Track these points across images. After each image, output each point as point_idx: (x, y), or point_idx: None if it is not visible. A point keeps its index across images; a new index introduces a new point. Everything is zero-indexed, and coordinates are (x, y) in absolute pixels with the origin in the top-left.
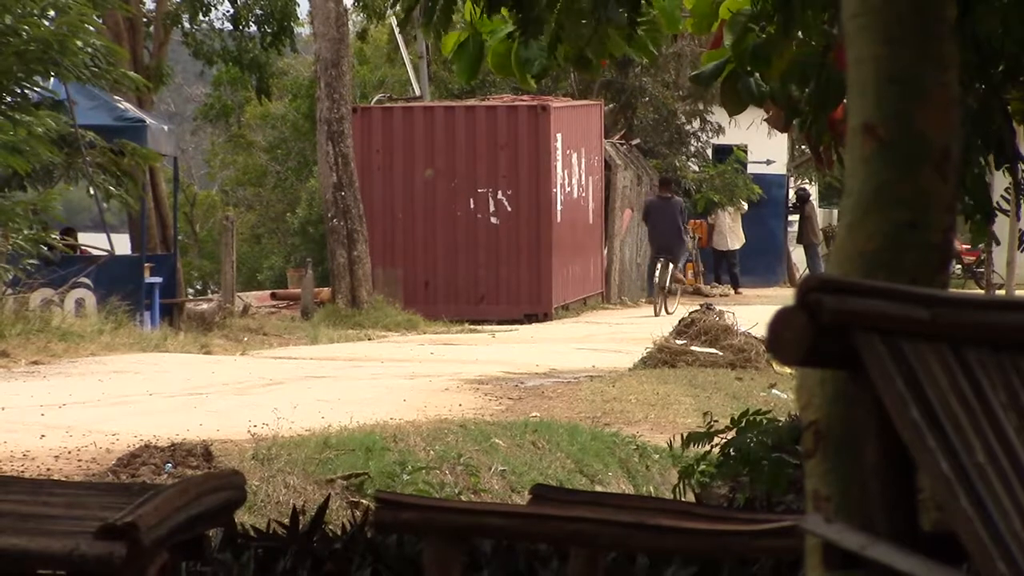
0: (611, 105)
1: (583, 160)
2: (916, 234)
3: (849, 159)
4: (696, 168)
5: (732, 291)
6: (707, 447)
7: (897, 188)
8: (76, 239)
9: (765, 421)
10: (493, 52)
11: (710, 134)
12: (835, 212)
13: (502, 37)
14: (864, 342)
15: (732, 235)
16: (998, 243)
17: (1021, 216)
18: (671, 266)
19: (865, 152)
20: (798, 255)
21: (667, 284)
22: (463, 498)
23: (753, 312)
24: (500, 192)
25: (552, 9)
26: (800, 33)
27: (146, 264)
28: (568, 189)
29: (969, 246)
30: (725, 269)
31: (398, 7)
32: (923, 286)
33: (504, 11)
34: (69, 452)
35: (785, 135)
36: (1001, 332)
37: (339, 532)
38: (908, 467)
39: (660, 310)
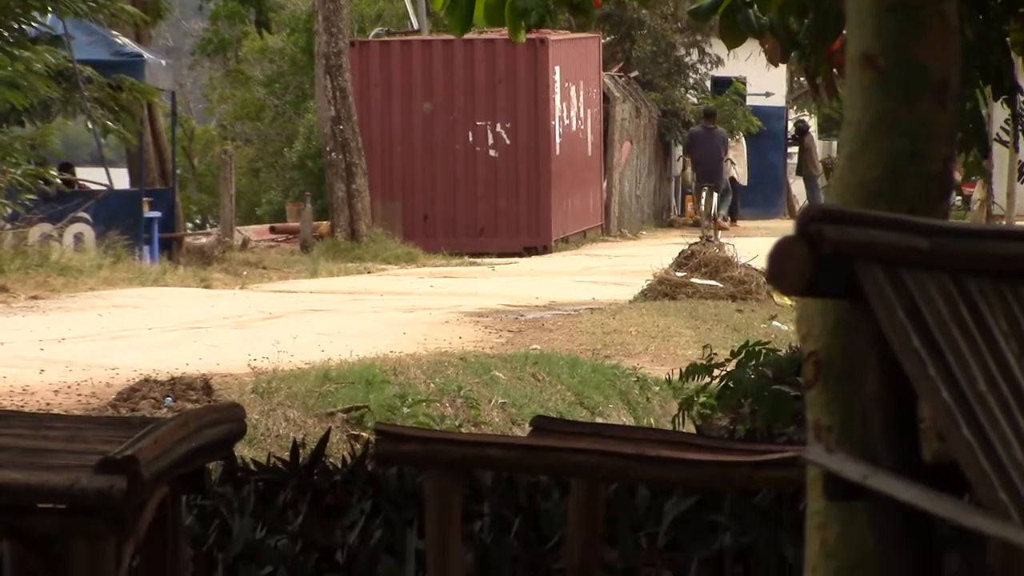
0: (609, 37)
1: (581, 93)
2: (916, 164)
3: (848, 90)
4: (695, 100)
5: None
6: (707, 379)
7: (896, 118)
8: (74, 174)
9: (765, 353)
10: (485, 5)
11: (709, 66)
12: (834, 144)
13: None
14: (865, 272)
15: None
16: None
17: (1020, 148)
18: (715, 194)
19: (864, 82)
20: (797, 187)
21: (712, 211)
22: (463, 431)
23: (753, 244)
24: (499, 125)
25: None
26: None
27: (145, 198)
28: (567, 122)
29: (973, 178)
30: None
31: None
32: (923, 216)
33: None
34: (69, 386)
35: (784, 67)
36: (1001, 261)
37: (339, 465)
38: (909, 397)
39: (706, 236)
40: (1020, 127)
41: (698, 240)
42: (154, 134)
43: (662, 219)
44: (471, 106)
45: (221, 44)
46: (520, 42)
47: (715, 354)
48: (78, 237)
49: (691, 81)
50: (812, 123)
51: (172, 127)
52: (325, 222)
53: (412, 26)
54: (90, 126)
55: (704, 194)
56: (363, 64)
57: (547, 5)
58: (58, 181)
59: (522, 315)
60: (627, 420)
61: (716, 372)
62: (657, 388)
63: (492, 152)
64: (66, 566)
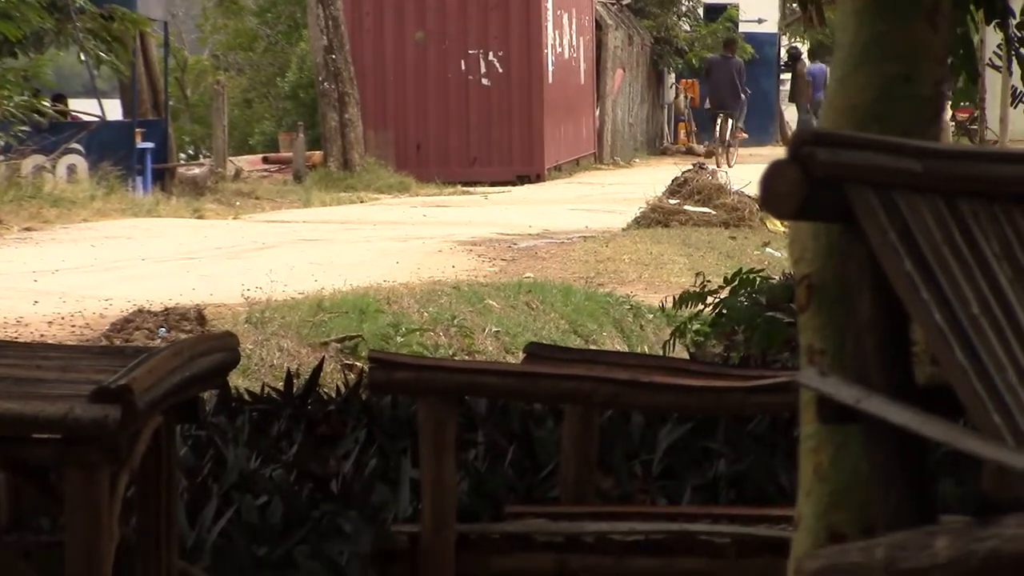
0: None
1: (574, 20)
2: (908, 86)
3: (840, 13)
4: (687, 27)
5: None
6: (700, 307)
7: (888, 40)
8: (67, 105)
9: (759, 279)
10: None
11: None
12: (826, 70)
13: None
14: (857, 195)
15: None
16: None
17: (1013, 72)
18: (730, 121)
19: (856, 5)
20: (790, 114)
21: (727, 138)
22: (457, 359)
23: (746, 171)
24: (491, 54)
25: None
26: None
27: (137, 129)
28: (559, 50)
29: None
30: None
31: None
32: (915, 139)
33: None
34: (62, 318)
35: None
36: (994, 183)
37: (333, 395)
38: (902, 320)
39: (722, 163)
40: (1013, 51)
41: (694, 166)
42: (147, 65)
43: (655, 147)
44: (463, 35)
45: None
46: None
47: (708, 281)
48: (71, 168)
49: (683, 8)
50: (804, 49)
51: (165, 58)
52: (318, 152)
53: None
54: (83, 57)
55: (719, 121)
56: None
57: None
58: (51, 112)
59: (515, 244)
60: (621, 348)
61: (709, 299)
62: (651, 316)
63: (485, 81)
64: (61, 495)
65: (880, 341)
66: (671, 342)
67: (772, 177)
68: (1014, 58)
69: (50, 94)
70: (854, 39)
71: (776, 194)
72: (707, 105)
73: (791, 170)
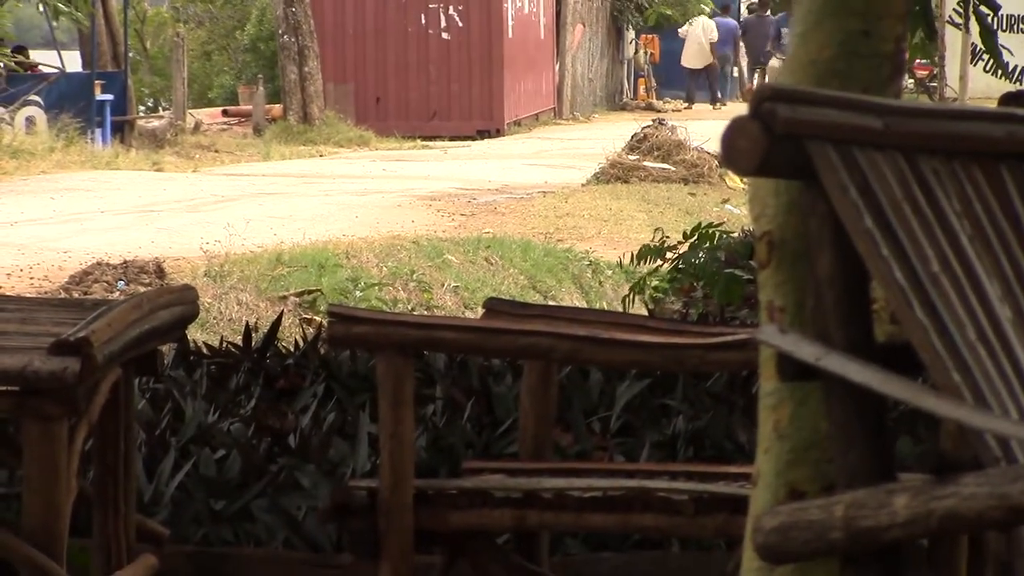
0: None
1: None
2: (868, 43)
3: None
4: None
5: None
6: (659, 262)
7: None
8: (28, 57)
9: (718, 235)
10: None
11: None
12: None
13: None
14: (817, 151)
15: (704, 53)
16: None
17: (972, 29)
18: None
19: None
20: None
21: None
22: (416, 314)
23: (706, 127)
24: (451, 8)
25: None
26: None
27: (97, 81)
28: (519, 5)
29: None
30: (702, 86)
31: None
32: (876, 95)
33: None
34: (21, 270)
35: None
36: (954, 140)
37: (292, 349)
38: (863, 278)
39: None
40: (972, 8)
41: (654, 121)
42: (106, 16)
43: (614, 102)
44: None
45: None
46: None
47: (667, 237)
48: (30, 120)
49: None
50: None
51: (124, 9)
52: (277, 105)
53: None
54: (41, 9)
55: (756, 76)
56: None
57: None
58: (11, 63)
59: (475, 199)
60: (580, 303)
61: (668, 255)
62: (609, 272)
63: (444, 35)
64: (19, 447)
65: (840, 298)
66: (630, 297)
67: (733, 134)
68: (973, 15)
69: (11, 46)
70: None
71: (737, 150)
72: (745, 62)
73: (752, 126)
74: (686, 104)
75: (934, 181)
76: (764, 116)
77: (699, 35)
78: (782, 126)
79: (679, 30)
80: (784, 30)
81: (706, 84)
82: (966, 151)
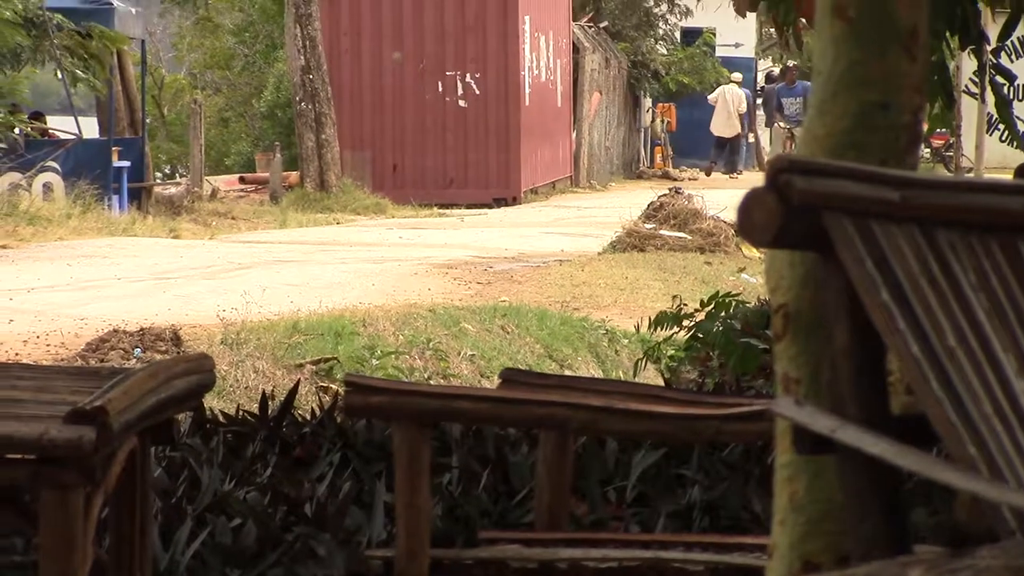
0: None
1: (551, 43)
2: (885, 115)
3: (818, 40)
4: (664, 51)
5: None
6: (675, 328)
7: (866, 68)
8: (45, 123)
9: (734, 304)
10: None
11: (678, 17)
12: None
13: None
14: (834, 223)
15: (733, 123)
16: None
17: (988, 99)
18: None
19: (834, 33)
20: (767, 138)
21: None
22: (432, 383)
23: (722, 196)
24: (468, 75)
25: None
26: None
27: (114, 148)
28: (536, 72)
29: (940, 129)
30: (725, 156)
31: None
32: (893, 167)
33: None
34: (38, 337)
35: (753, 18)
36: (971, 213)
37: (308, 417)
38: (878, 350)
39: None
40: (988, 78)
41: (670, 190)
42: (124, 83)
43: (631, 170)
44: (441, 56)
45: None
46: None
47: (684, 305)
48: (47, 186)
49: (660, 32)
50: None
51: (142, 76)
52: (294, 172)
53: None
54: (60, 75)
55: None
56: (333, 13)
57: None
58: (29, 130)
59: (491, 267)
60: (596, 372)
61: (684, 323)
62: (626, 340)
63: (462, 102)
64: (35, 516)
65: (856, 370)
66: (643, 362)
67: (749, 205)
68: (989, 85)
69: (28, 112)
70: (832, 67)
71: (753, 222)
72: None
73: (768, 198)
74: (717, 169)
75: (951, 254)
76: (780, 188)
77: (728, 103)
78: (799, 198)
79: (708, 97)
80: (785, 100)
81: (726, 152)
82: (983, 224)
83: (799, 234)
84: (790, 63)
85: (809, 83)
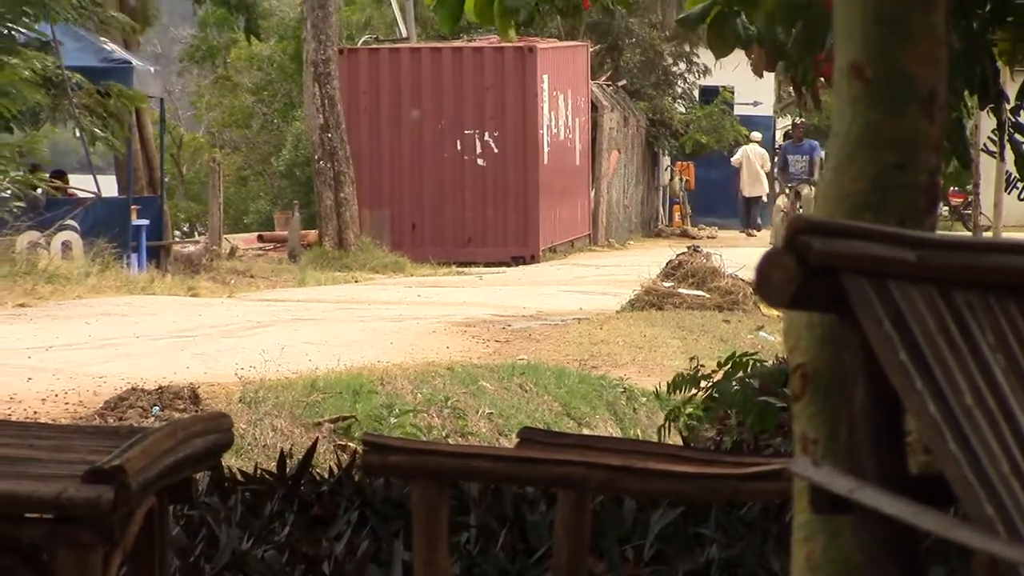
0: (597, 46)
1: (570, 101)
2: (903, 175)
3: (836, 100)
4: (683, 110)
5: (749, 233)
6: (694, 392)
7: (884, 129)
8: (67, 181)
9: (752, 363)
10: (475, 0)
11: (697, 75)
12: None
13: None
14: (852, 284)
15: (762, 181)
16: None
17: (1007, 157)
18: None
19: (852, 93)
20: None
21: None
22: (451, 441)
23: (740, 254)
24: (487, 134)
25: None
26: None
27: (133, 206)
28: (555, 131)
29: (956, 188)
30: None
31: None
32: (911, 227)
33: None
34: (56, 395)
35: (771, 76)
36: (988, 273)
37: (326, 476)
38: (896, 410)
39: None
40: (1006, 137)
41: (689, 248)
42: (142, 141)
43: (649, 229)
44: (460, 114)
45: (210, 51)
46: (509, 40)
47: (702, 365)
48: (66, 245)
49: (679, 90)
50: None
51: (160, 134)
52: (313, 231)
53: (401, 34)
54: (78, 133)
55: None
56: (351, 72)
57: (535, 5)
58: (49, 188)
59: (509, 325)
60: (614, 431)
61: (703, 383)
62: (644, 399)
63: (480, 161)
64: (53, 574)
65: (873, 430)
66: (666, 427)
67: (767, 266)
68: (1008, 143)
69: (51, 170)
70: (849, 127)
71: (771, 284)
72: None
73: (786, 259)
74: (746, 232)
75: (968, 314)
76: (799, 248)
77: (753, 163)
78: (817, 259)
79: (732, 160)
80: (791, 157)
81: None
82: (1000, 284)
83: (817, 295)
84: (798, 120)
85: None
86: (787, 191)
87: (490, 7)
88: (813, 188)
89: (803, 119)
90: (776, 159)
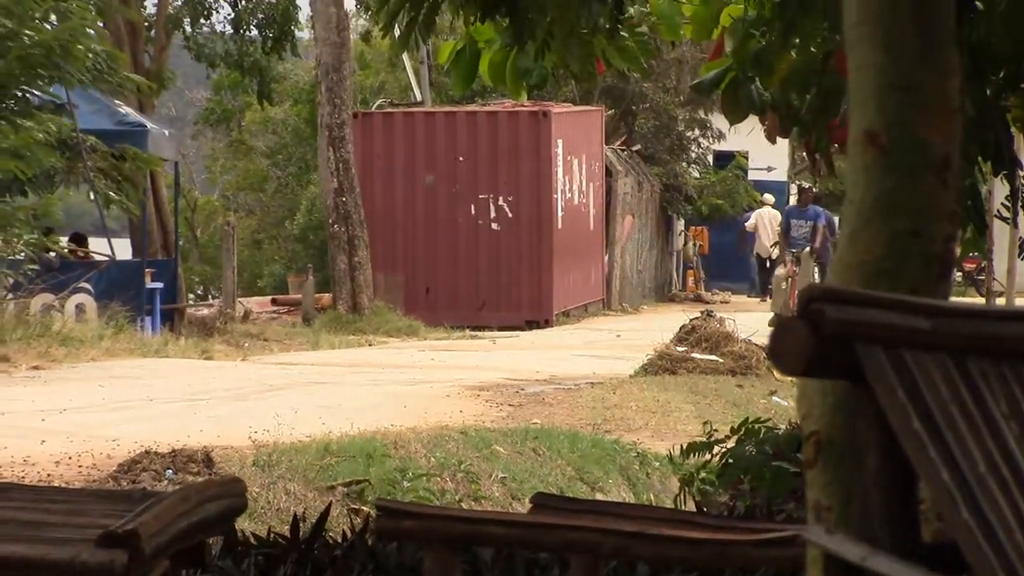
0: (612, 111)
1: (584, 166)
2: (917, 243)
3: (850, 167)
4: (697, 174)
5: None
6: (708, 456)
7: (898, 196)
8: (86, 245)
9: (765, 429)
10: (489, 62)
11: (711, 140)
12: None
13: (499, 47)
14: (866, 352)
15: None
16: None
17: (1020, 224)
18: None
19: (866, 160)
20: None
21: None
22: (464, 505)
23: (753, 319)
24: (501, 198)
25: (544, 16)
26: (800, 40)
27: (147, 269)
28: (569, 195)
29: (972, 254)
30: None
31: (381, 21)
32: (924, 295)
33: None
34: (70, 458)
35: (785, 141)
36: (1002, 342)
37: (340, 540)
38: (909, 478)
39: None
40: (1020, 203)
41: (703, 313)
42: (157, 204)
43: (663, 293)
44: (474, 179)
45: (224, 114)
46: (521, 100)
47: (715, 430)
48: (80, 307)
49: (693, 155)
50: None
51: (175, 197)
52: (327, 294)
53: (415, 98)
54: (93, 196)
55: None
56: (366, 136)
57: (536, 60)
58: (63, 251)
59: (523, 389)
60: (627, 495)
61: (716, 449)
62: (657, 464)
63: (494, 225)
64: None
65: (887, 498)
66: (682, 494)
67: (781, 334)
68: (1021, 210)
69: (69, 233)
70: (864, 194)
71: (785, 351)
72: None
73: (800, 327)
74: (760, 297)
75: (982, 383)
76: (812, 316)
77: (767, 226)
78: (830, 327)
79: (746, 224)
80: (794, 222)
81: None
82: (1014, 352)
83: (831, 363)
84: (805, 185)
85: (821, 209)
86: (789, 257)
87: (503, 69)
88: (813, 254)
89: (813, 185)
90: (780, 223)
